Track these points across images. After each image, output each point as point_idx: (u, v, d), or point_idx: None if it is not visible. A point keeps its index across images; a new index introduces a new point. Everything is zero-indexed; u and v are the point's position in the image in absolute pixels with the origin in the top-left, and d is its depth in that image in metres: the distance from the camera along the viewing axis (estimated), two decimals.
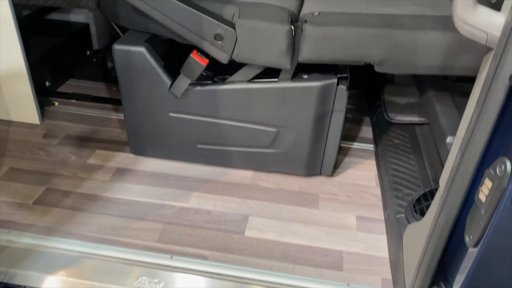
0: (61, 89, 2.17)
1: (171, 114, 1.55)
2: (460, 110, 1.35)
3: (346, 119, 2.02)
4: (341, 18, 1.33)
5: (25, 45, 1.95)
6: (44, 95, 2.06)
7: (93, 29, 2.36)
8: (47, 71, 2.08)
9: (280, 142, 1.55)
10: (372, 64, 1.32)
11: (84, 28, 2.31)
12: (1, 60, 1.73)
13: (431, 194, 1.34)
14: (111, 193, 1.52)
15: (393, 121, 1.78)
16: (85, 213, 1.43)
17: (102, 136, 1.83)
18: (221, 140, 1.58)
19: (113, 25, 1.67)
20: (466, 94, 1.24)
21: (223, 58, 1.38)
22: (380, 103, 1.93)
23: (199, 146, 1.61)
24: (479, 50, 1.22)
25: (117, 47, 1.45)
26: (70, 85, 2.21)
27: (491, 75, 0.71)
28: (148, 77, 1.48)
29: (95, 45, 2.40)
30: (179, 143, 1.62)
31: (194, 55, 1.35)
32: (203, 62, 1.37)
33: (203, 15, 1.32)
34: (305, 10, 1.42)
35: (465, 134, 0.78)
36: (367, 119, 2.04)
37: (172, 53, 1.61)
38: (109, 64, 2.34)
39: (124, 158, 1.70)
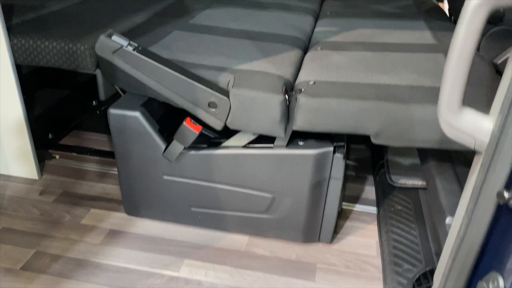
0: (64, 140, 2.18)
1: (165, 177, 1.52)
2: (462, 184, 1.29)
3: (349, 177, 1.96)
4: (336, 88, 1.30)
5: (30, 97, 1.98)
6: (46, 147, 2.06)
7: (100, 79, 2.39)
8: (51, 124, 2.09)
9: (276, 208, 1.50)
10: (368, 135, 1.28)
11: (91, 78, 2.34)
12: (1, 114, 1.74)
13: (432, 273, 1.26)
14: (101, 258, 1.48)
15: (395, 184, 1.71)
16: (72, 281, 1.39)
17: (99, 193, 1.80)
18: (216, 204, 1.54)
19: (113, 85, 1.67)
20: (470, 164, 1.19)
21: (217, 125, 1.36)
22: (383, 162, 1.88)
23: (193, 209, 1.57)
24: None
25: (112, 111, 1.44)
26: (73, 137, 2.21)
27: (479, 186, 0.66)
28: (142, 141, 1.46)
29: (102, 96, 2.42)
30: (173, 205, 1.58)
31: (187, 123, 1.33)
32: (196, 130, 1.34)
33: (196, 83, 1.31)
34: (301, 78, 1.40)
35: (455, 241, 0.72)
36: (371, 177, 1.98)
37: (170, 114, 1.60)
38: None
39: (117, 219, 1.66)
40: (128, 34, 1.72)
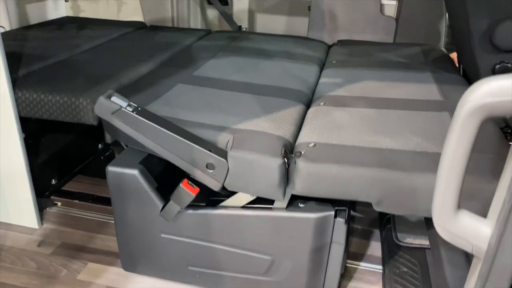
0: (67, 185, 2.17)
1: (163, 235, 1.49)
2: (469, 255, 1.23)
3: (354, 231, 1.90)
4: (337, 152, 1.27)
5: (34, 143, 1.99)
6: (48, 194, 2.05)
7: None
8: (55, 169, 2.09)
9: (275, 271, 1.45)
10: (370, 202, 1.24)
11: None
12: (2, 162, 1.75)
13: None
14: None
15: (401, 243, 1.65)
16: None
17: (97, 246, 1.77)
18: (214, 264, 1.49)
19: (117, 140, 1.67)
20: None
21: (215, 186, 1.33)
22: (390, 217, 1.82)
23: (190, 268, 1.53)
24: (485, 197, 1.12)
25: (111, 168, 1.43)
26: (76, 182, 2.21)
27: None
28: (140, 199, 1.44)
29: (108, 139, 2.43)
30: (170, 263, 1.54)
31: (184, 185, 1.31)
32: (193, 191, 1.32)
33: (194, 145, 1.29)
34: (301, 138, 1.38)
35: None
36: (377, 232, 1.92)
37: (170, 169, 1.59)
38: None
39: (114, 274, 1.63)
40: (132, 87, 1.73)
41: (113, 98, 1.32)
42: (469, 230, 0.62)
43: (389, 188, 1.19)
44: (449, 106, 1.56)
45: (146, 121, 1.30)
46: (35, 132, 1.98)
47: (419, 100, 1.64)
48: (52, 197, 2.07)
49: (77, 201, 2.05)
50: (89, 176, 2.25)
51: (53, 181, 2.10)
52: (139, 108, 1.35)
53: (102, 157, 2.27)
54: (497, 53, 1.69)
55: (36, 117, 1.66)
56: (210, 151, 1.29)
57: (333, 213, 1.33)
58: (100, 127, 2.36)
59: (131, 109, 1.32)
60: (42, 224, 1.89)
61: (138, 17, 2.80)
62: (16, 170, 1.75)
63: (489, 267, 0.60)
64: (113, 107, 1.32)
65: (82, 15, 2.87)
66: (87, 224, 1.90)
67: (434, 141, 1.32)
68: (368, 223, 1.97)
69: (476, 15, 1.67)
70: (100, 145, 2.35)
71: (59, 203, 2.03)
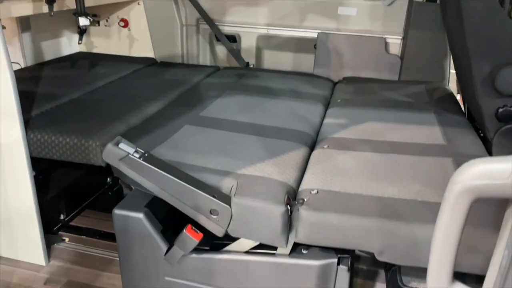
0: (75, 220, 2.20)
1: (167, 278, 1.50)
2: None
3: (359, 271, 1.89)
4: (339, 200, 1.28)
5: (44, 178, 2.03)
6: (57, 229, 2.08)
7: None
8: (63, 205, 2.13)
9: None
10: (372, 252, 1.24)
11: None
12: (12, 200, 1.78)
13: None
14: None
15: (406, 287, 1.63)
16: None
17: (103, 284, 1.79)
18: None
19: (121, 180, 1.70)
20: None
21: (218, 232, 1.35)
22: None
23: None
24: (486, 250, 1.12)
25: (117, 211, 1.46)
26: (85, 217, 2.24)
27: None
28: (145, 242, 1.46)
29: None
30: None
31: (187, 231, 1.33)
32: (197, 238, 1.33)
33: (199, 191, 1.31)
34: (305, 184, 1.40)
35: None
36: (382, 273, 1.91)
37: (175, 211, 1.61)
38: (125, 191, 2.37)
39: None
40: (141, 128, 1.77)
41: (121, 145, 1.36)
42: None
43: (390, 238, 1.19)
44: (451, 152, 1.57)
45: (152, 167, 1.33)
46: (45, 168, 2.02)
47: (422, 144, 1.66)
48: (60, 232, 2.09)
49: (84, 236, 2.08)
50: (97, 210, 2.28)
51: (62, 216, 2.13)
52: (146, 154, 1.38)
53: (110, 192, 2.31)
54: (500, 97, 1.70)
55: (46, 158, 1.70)
56: (214, 197, 1.31)
57: (336, 260, 1.33)
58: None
59: (138, 156, 1.35)
60: (49, 261, 1.91)
61: (149, 53, 2.88)
62: (25, 208, 1.79)
63: None
64: (120, 154, 1.35)
65: (95, 50, 2.96)
66: (93, 261, 1.91)
67: (436, 189, 1.33)
68: (373, 263, 1.96)
69: (478, 60, 1.70)
70: (108, 179, 2.39)
71: (66, 239, 2.06)
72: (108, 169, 2.33)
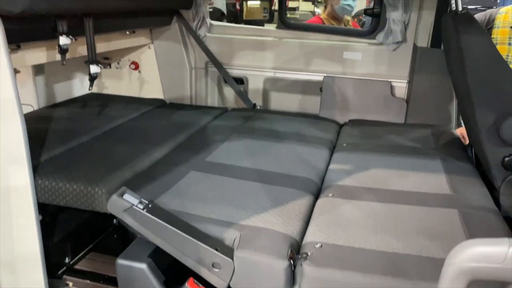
0: (80, 264, 2.19)
1: None
2: None
3: None
4: (343, 255, 1.27)
5: (51, 223, 2.04)
6: (61, 273, 2.07)
7: None
8: (68, 248, 2.13)
9: None
10: None
11: None
12: (17, 244, 1.78)
13: None
14: None
15: None
16: None
17: None
18: None
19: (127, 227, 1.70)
20: None
21: (220, 285, 1.34)
22: None
23: None
24: None
25: (120, 261, 1.46)
26: (90, 260, 2.23)
27: None
28: None
29: None
30: None
31: (189, 284, 1.32)
32: None
33: (201, 244, 1.31)
34: (308, 237, 1.39)
35: None
36: None
37: (179, 261, 1.60)
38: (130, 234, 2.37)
39: None
40: (146, 174, 1.79)
41: (125, 196, 1.37)
42: None
43: None
44: (457, 203, 1.55)
45: (155, 219, 1.34)
46: (52, 212, 2.04)
47: (428, 193, 1.65)
48: (64, 276, 2.08)
49: (88, 281, 2.06)
50: (102, 253, 2.27)
51: (67, 260, 2.12)
52: (150, 205, 1.39)
53: (115, 235, 2.30)
54: (505, 146, 1.70)
55: (53, 204, 1.72)
56: (216, 250, 1.31)
57: None
58: None
59: (141, 207, 1.36)
60: None
61: (158, 94, 2.94)
62: (30, 252, 1.79)
63: None
64: (125, 205, 1.37)
65: (105, 91, 3.04)
66: None
67: (441, 244, 1.31)
68: None
69: (482, 109, 1.71)
70: (114, 221, 2.39)
71: (70, 283, 2.04)
72: None
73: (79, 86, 2.96)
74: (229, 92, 2.98)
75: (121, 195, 1.38)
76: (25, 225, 1.75)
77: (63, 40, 1.80)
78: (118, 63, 2.96)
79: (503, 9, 2.60)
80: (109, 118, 2.47)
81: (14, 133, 1.63)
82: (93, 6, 1.90)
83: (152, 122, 2.47)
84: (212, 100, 3.01)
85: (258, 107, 2.86)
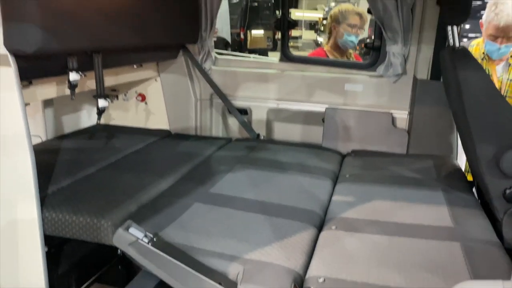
0: None
1: None
2: None
3: None
4: None
5: (56, 254, 2.05)
6: None
7: None
8: (73, 279, 2.13)
9: None
10: None
11: None
12: (21, 276, 1.79)
13: None
14: None
15: None
16: None
17: None
18: None
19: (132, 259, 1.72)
20: None
21: None
22: None
23: None
24: None
25: None
26: None
27: None
28: None
29: None
30: None
31: None
32: None
33: (205, 278, 1.33)
34: (312, 271, 1.40)
35: None
36: None
37: None
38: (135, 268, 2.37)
39: None
40: (151, 206, 1.81)
41: (131, 230, 1.40)
42: None
43: None
44: (460, 235, 1.56)
45: (160, 253, 1.36)
46: (57, 243, 2.06)
47: (430, 226, 1.66)
48: None
49: None
50: (106, 284, 2.28)
51: None
52: (155, 239, 1.41)
53: (119, 266, 2.31)
54: (506, 178, 1.72)
55: (59, 236, 1.74)
56: (220, 284, 1.32)
57: None
58: None
59: (146, 241, 1.39)
60: None
61: (164, 125, 3.00)
62: (35, 285, 1.80)
63: None
64: (130, 239, 1.39)
65: (112, 122, 3.10)
66: None
67: (444, 278, 1.31)
68: None
69: (482, 142, 1.74)
70: (118, 251, 2.40)
71: None
72: None
73: (87, 118, 3.03)
74: (233, 123, 3.03)
75: (127, 229, 1.40)
76: (30, 257, 1.77)
77: (73, 76, 1.87)
78: (125, 95, 3.03)
79: (474, 42, 2.69)
80: (115, 149, 2.52)
81: (24, 166, 1.67)
82: (102, 44, 1.98)
83: (158, 153, 2.51)
84: (217, 130, 3.06)
85: (262, 137, 2.90)
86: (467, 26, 6.24)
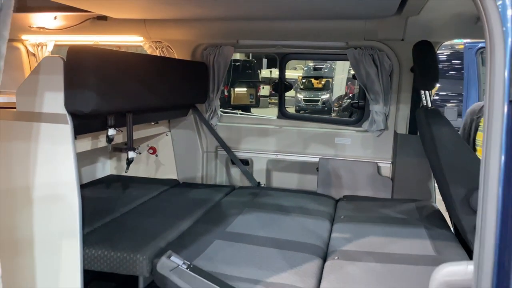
0: None
1: None
2: None
3: None
4: None
5: None
6: None
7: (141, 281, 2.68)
8: None
9: None
10: None
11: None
12: None
13: None
14: None
15: None
16: None
17: None
18: None
19: None
20: None
21: None
22: None
23: None
24: None
25: None
26: None
27: None
28: None
29: None
30: None
31: None
32: None
33: None
34: None
35: None
36: None
37: None
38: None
39: None
40: (177, 243, 2.08)
41: (172, 258, 1.67)
42: None
43: None
44: (440, 261, 1.88)
45: (198, 277, 1.63)
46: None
47: (416, 255, 1.98)
48: None
49: None
50: None
51: None
52: (192, 266, 1.69)
53: None
54: (476, 215, 2.07)
55: (97, 270, 1.98)
56: None
57: None
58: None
59: (185, 267, 1.66)
60: None
61: (173, 175, 3.31)
62: None
63: None
64: (172, 265, 1.66)
65: (125, 174, 3.38)
66: None
67: None
68: None
69: (455, 185, 2.10)
70: None
71: None
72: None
73: (101, 169, 3.32)
74: (235, 172, 3.36)
75: (169, 257, 1.68)
76: None
77: (111, 131, 2.19)
78: (137, 148, 3.34)
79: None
80: (133, 197, 2.80)
81: (72, 208, 1.94)
82: (135, 105, 2.34)
83: (172, 199, 2.80)
84: (221, 179, 3.38)
85: (262, 185, 3.23)
86: None
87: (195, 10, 2.63)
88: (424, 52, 2.31)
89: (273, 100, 15.35)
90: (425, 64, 2.33)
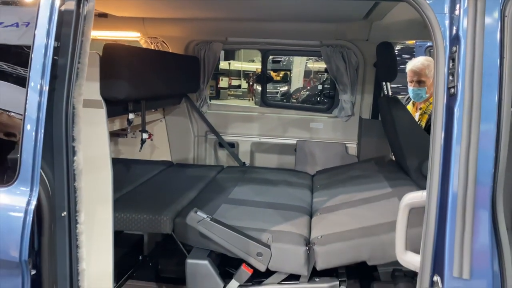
0: None
1: None
2: None
3: None
4: (337, 236, 2.09)
5: None
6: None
7: (146, 239, 3.09)
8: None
9: None
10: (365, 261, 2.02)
11: (139, 239, 3.02)
12: (95, 262, 2.38)
13: None
14: None
15: None
16: None
17: None
18: None
19: (179, 243, 2.39)
20: None
21: (262, 268, 2.08)
22: None
23: None
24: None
25: (189, 261, 2.16)
26: (129, 285, 2.80)
27: None
28: (208, 281, 2.14)
29: (146, 251, 3.10)
30: None
31: (244, 267, 2.06)
32: (249, 271, 2.06)
33: (250, 240, 2.07)
34: (313, 234, 2.20)
35: None
36: None
37: (223, 262, 2.30)
38: (160, 266, 2.97)
39: None
40: (192, 207, 2.51)
41: (198, 213, 2.12)
42: (411, 260, 1.45)
43: (372, 248, 1.98)
44: (395, 194, 2.41)
45: (221, 227, 2.09)
46: None
47: (378, 195, 2.51)
48: None
49: None
50: (138, 279, 2.86)
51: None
52: (214, 218, 2.14)
53: (150, 263, 2.91)
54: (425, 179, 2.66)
55: (126, 230, 2.38)
56: (259, 243, 2.07)
57: (337, 283, 2.09)
58: (141, 243, 3.01)
59: (209, 219, 2.11)
60: None
61: (166, 157, 3.71)
62: (105, 268, 2.39)
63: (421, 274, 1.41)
64: (198, 218, 2.11)
65: (122, 157, 3.74)
66: None
67: (391, 214, 2.12)
68: None
69: (410, 156, 2.68)
70: (140, 257, 2.98)
71: None
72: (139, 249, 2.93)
73: None
74: (222, 154, 3.81)
75: (195, 212, 2.12)
76: (103, 248, 2.38)
77: (131, 115, 2.59)
78: (134, 133, 3.71)
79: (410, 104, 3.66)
80: (137, 175, 3.18)
81: (105, 179, 2.33)
82: (148, 93, 2.74)
83: (172, 177, 3.21)
84: (210, 160, 3.83)
85: (247, 165, 3.70)
86: None
87: (190, 10, 3.06)
88: (386, 51, 2.87)
89: (232, 92, 15.72)
90: (386, 61, 2.89)
